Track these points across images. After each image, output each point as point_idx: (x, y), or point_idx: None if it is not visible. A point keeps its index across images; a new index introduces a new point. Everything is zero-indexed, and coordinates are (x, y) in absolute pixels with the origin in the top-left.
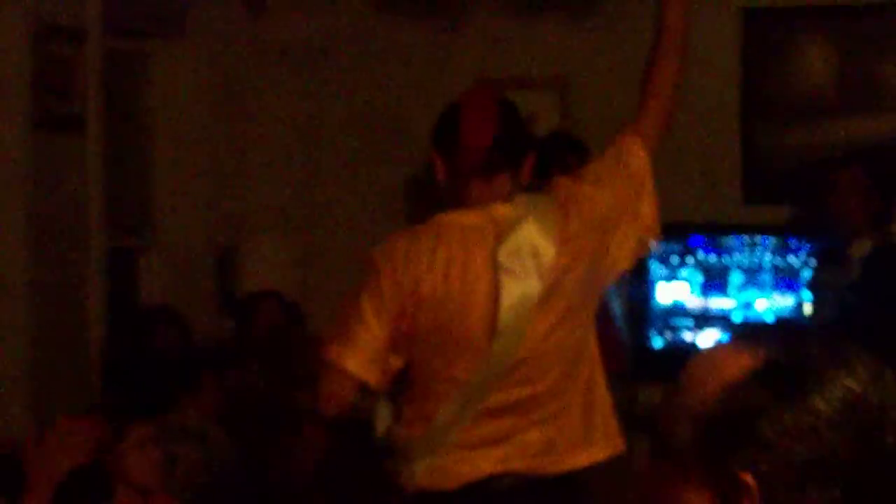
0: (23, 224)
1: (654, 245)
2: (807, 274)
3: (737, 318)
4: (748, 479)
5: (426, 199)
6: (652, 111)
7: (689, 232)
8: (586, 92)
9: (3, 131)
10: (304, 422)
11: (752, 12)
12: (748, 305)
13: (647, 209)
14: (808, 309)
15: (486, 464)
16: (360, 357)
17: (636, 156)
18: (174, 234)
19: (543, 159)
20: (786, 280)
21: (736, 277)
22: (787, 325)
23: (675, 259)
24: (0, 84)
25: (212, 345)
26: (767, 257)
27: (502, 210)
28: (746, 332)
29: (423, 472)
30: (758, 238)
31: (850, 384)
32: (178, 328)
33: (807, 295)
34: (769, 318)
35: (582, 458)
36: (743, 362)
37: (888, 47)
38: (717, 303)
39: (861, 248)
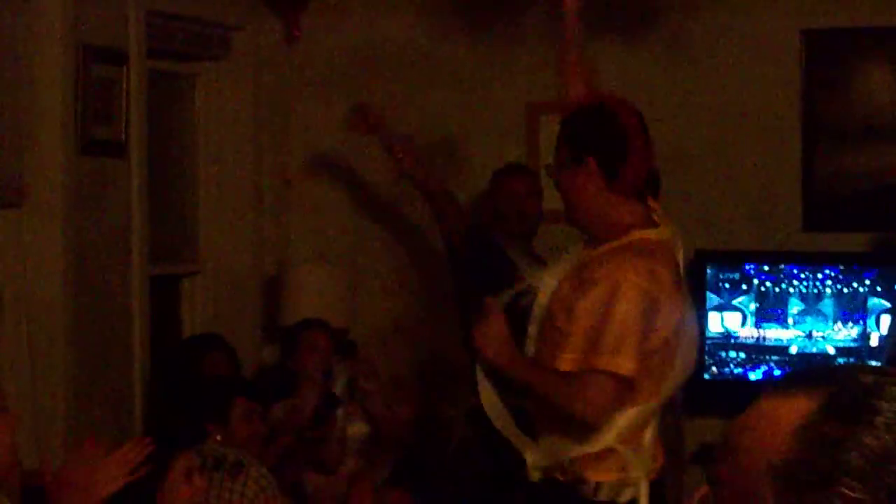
0: (65, 250)
1: None
2: (873, 303)
3: (795, 349)
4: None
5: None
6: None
7: (745, 260)
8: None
9: (46, 156)
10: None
11: (814, 34)
12: (809, 336)
13: None
14: (874, 339)
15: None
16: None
17: None
18: (218, 261)
19: None
20: (848, 310)
21: (794, 306)
22: (831, 365)
23: (729, 288)
24: (43, 108)
25: (255, 374)
26: (829, 285)
27: (662, 231)
28: (792, 379)
29: None
30: (818, 266)
31: None
32: (226, 356)
33: (872, 324)
34: (830, 349)
35: None
36: (801, 406)
37: None
38: (774, 333)
39: None
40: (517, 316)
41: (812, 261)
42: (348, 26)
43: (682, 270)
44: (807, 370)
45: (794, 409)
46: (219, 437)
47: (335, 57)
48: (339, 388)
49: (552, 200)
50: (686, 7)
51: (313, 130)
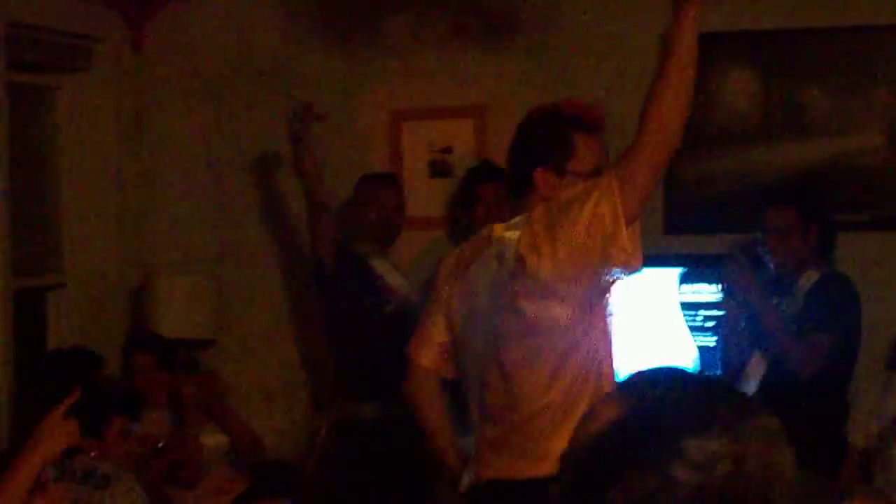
0: None
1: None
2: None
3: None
4: None
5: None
6: (644, 146)
7: None
8: (503, 121)
9: None
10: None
11: None
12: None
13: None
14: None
15: None
16: None
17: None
18: (83, 273)
19: (469, 185)
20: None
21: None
22: (664, 377)
23: None
24: None
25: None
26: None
27: None
28: (628, 381)
29: None
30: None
31: (702, 456)
32: (97, 369)
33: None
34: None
35: None
36: (611, 414)
37: (810, 73)
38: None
39: (809, 280)
40: (383, 322)
41: (673, 263)
42: (210, 34)
43: None
44: (644, 376)
45: (605, 414)
46: (93, 454)
47: (198, 64)
48: (189, 404)
49: (413, 208)
50: (546, 12)
51: (176, 140)
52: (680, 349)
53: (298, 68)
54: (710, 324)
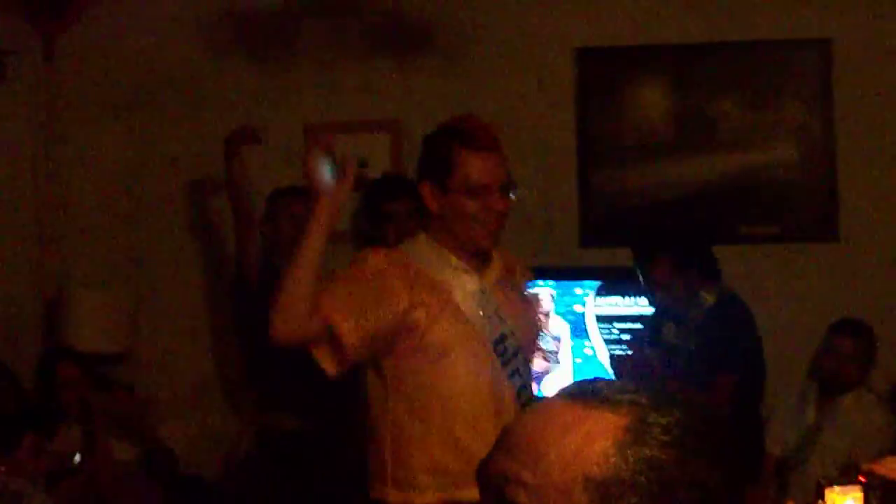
0: None
1: None
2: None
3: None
4: None
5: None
6: None
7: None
8: (418, 135)
9: None
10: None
11: (587, 52)
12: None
13: None
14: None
15: None
16: None
17: None
18: None
19: (376, 201)
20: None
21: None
22: (611, 380)
23: None
24: None
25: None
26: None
27: None
28: (584, 391)
29: None
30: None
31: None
32: (9, 383)
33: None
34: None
35: None
36: (610, 421)
37: (722, 86)
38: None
39: (699, 309)
40: None
41: (589, 276)
42: (123, 46)
43: None
44: (592, 382)
45: (604, 424)
46: (2, 468)
47: (112, 76)
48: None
49: None
50: (461, 27)
51: (90, 152)
52: (595, 361)
53: (212, 81)
54: (625, 336)
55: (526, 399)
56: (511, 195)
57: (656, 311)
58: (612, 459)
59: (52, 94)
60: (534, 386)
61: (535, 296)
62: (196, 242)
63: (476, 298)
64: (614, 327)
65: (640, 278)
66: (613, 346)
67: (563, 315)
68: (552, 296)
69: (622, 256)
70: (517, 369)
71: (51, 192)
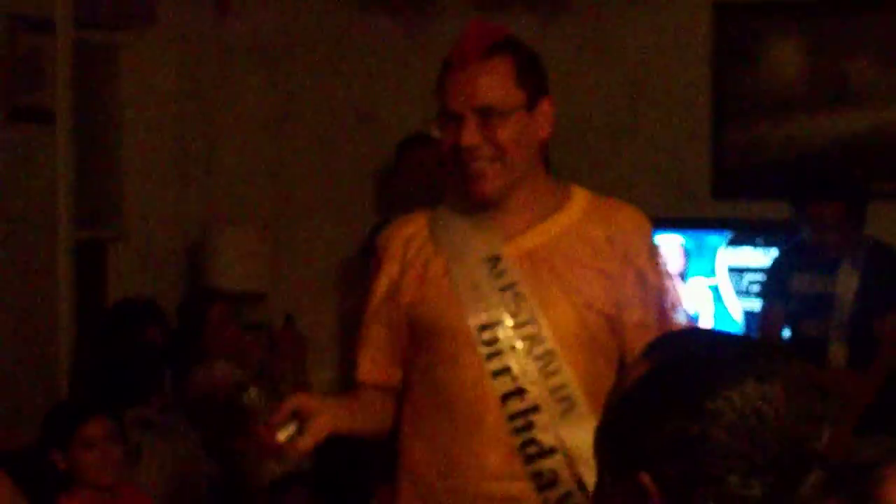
0: None
1: None
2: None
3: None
4: (647, 480)
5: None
6: None
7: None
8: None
9: None
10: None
11: (723, 7)
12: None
13: None
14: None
15: None
16: None
17: None
18: (143, 226)
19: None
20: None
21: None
22: (694, 334)
23: None
24: None
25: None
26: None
27: None
28: (655, 342)
29: None
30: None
31: (734, 395)
32: (159, 323)
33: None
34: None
35: None
36: (640, 371)
37: (857, 43)
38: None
39: (854, 255)
40: None
41: (720, 227)
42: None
43: None
44: (674, 335)
45: (635, 373)
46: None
47: (261, 28)
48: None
49: None
50: None
51: (236, 95)
52: (726, 313)
53: (356, 31)
54: (755, 288)
55: (517, 411)
56: (500, 122)
57: (782, 262)
58: (614, 405)
59: (199, 39)
60: (563, 392)
61: (661, 276)
62: (338, 187)
63: (480, 269)
64: (745, 279)
65: (799, 221)
66: (745, 298)
67: (693, 269)
68: (684, 249)
69: (755, 209)
70: (507, 368)
71: (195, 134)
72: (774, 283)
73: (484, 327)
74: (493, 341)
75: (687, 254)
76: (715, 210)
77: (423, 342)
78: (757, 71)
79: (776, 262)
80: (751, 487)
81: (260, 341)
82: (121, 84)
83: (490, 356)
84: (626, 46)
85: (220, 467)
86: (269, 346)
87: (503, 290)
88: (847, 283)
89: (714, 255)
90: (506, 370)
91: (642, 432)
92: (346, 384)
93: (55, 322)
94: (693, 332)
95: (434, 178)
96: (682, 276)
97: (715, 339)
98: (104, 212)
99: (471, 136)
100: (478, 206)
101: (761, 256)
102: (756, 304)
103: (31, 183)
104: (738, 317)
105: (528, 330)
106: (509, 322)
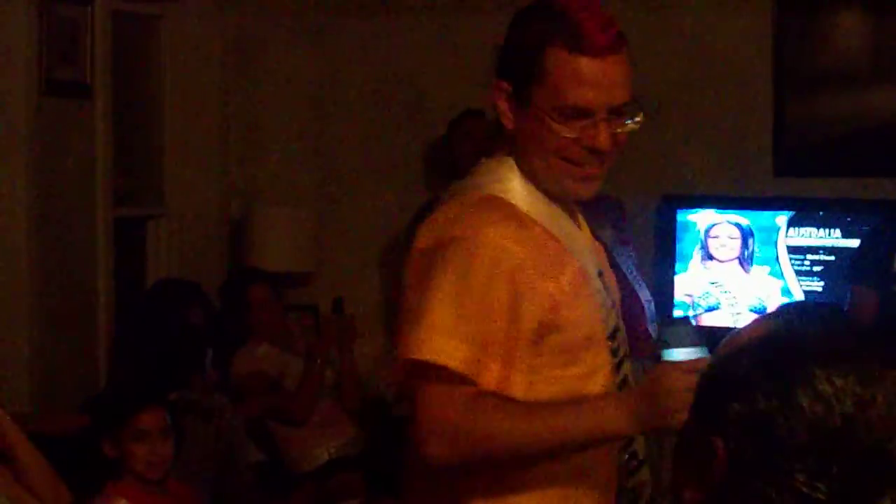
0: (29, 192)
1: None
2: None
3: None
4: (719, 445)
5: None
6: None
7: (715, 204)
8: None
9: (9, 97)
10: None
11: None
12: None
13: None
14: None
15: None
16: None
17: None
18: (184, 203)
19: None
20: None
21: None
22: (819, 309)
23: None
24: (5, 48)
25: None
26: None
27: None
28: (784, 306)
29: None
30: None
31: (828, 389)
32: (201, 304)
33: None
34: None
35: None
36: (754, 334)
37: None
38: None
39: None
40: None
41: (782, 206)
42: None
43: None
44: (801, 305)
45: (752, 331)
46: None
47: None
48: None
49: None
50: None
51: (279, 71)
52: (788, 295)
53: (402, 5)
54: (817, 268)
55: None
56: (629, 122)
57: (879, 240)
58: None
59: (241, 9)
60: None
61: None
62: (384, 163)
63: (591, 264)
64: (807, 259)
65: None
66: (805, 279)
67: (754, 249)
68: (744, 229)
69: (817, 187)
70: (625, 378)
71: (239, 110)
72: (868, 264)
73: (610, 335)
74: (616, 350)
75: (747, 233)
76: (776, 188)
77: (560, 355)
78: (819, 44)
79: (870, 240)
80: (815, 489)
81: (305, 323)
82: (161, 56)
83: (616, 367)
84: (684, 20)
85: (264, 451)
86: (315, 328)
87: (602, 287)
88: None
89: (775, 235)
90: (625, 382)
91: (732, 396)
92: (390, 361)
93: (94, 300)
94: (822, 309)
95: (486, 154)
96: (743, 257)
97: (838, 323)
98: (143, 188)
99: (607, 139)
100: (551, 201)
101: (824, 236)
102: (817, 286)
103: (69, 158)
104: (799, 296)
105: (622, 331)
106: (620, 325)
